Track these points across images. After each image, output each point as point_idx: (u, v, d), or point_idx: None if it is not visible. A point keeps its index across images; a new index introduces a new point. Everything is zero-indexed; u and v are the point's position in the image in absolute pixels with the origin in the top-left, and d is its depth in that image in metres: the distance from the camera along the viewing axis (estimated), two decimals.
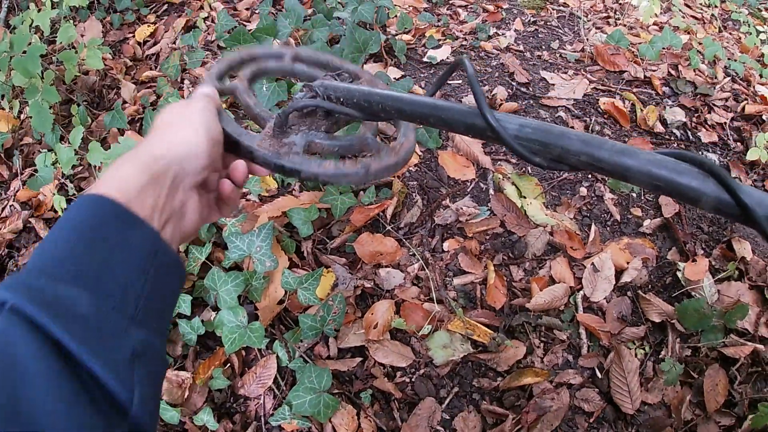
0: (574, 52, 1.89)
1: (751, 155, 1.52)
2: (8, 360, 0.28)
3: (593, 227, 1.31)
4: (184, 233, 0.44)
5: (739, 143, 1.63)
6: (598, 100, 1.65)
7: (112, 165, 0.40)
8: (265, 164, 0.61)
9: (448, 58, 1.76)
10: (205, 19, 1.94)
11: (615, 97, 1.66)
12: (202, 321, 1.08)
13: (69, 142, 1.28)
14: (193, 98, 0.51)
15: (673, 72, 1.82)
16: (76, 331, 0.30)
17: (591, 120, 1.59)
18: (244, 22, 1.92)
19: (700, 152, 1.56)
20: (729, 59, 1.94)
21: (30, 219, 1.36)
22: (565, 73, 1.76)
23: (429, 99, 0.56)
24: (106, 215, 0.36)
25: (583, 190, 1.40)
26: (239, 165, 0.52)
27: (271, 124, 0.63)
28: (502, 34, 1.93)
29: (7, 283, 0.31)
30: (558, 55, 1.87)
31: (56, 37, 1.84)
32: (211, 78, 0.69)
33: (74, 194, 1.36)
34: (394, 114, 0.60)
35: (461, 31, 1.93)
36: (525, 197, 1.35)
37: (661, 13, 2.27)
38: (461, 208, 1.30)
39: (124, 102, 1.63)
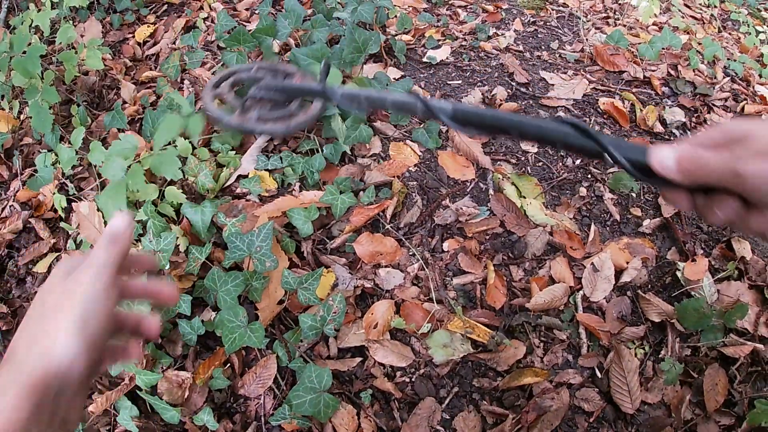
0: (574, 52, 1.89)
1: None
2: None
3: (593, 227, 1.31)
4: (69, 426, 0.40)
5: None
6: (597, 100, 1.65)
7: None
8: (235, 128, 0.93)
9: (447, 58, 1.76)
10: (204, 19, 1.94)
11: (614, 97, 1.67)
12: (202, 321, 1.08)
13: (69, 143, 1.28)
14: (82, 269, 0.42)
15: (672, 72, 1.83)
16: None
17: (590, 120, 1.59)
18: (244, 23, 1.92)
19: None
20: (728, 59, 1.95)
21: (30, 219, 1.36)
22: (565, 73, 1.76)
23: (297, 84, 0.87)
24: None
25: (583, 190, 1.40)
26: (153, 324, 0.47)
27: (238, 108, 0.98)
28: (502, 35, 1.93)
29: None
30: (557, 55, 1.88)
31: (56, 37, 1.84)
32: (208, 88, 1.03)
33: (74, 194, 1.36)
34: (290, 94, 0.92)
35: (461, 31, 1.93)
36: (525, 197, 1.35)
37: (660, 13, 2.27)
38: (461, 208, 1.30)
39: (124, 102, 1.63)
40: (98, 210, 1.24)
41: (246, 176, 1.33)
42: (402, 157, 1.36)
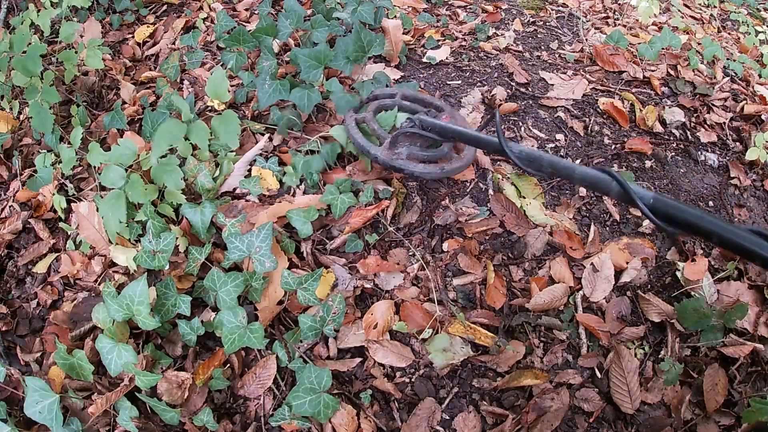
0: (573, 52, 1.89)
1: (750, 155, 1.53)
2: None
3: (592, 227, 1.31)
4: None
5: (738, 143, 1.63)
6: (597, 100, 1.65)
7: None
8: (384, 165, 1.10)
9: (447, 58, 1.76)
10: (204, 19, 1.94)
11: (614, 98, 1.67)
12: (202, 321, 1.08)
13: (69, 143, 1.28)
14: None
15: (672, 72, 1.83)
16: None
17: (590, 120, 1.59)
18: (244, 23, 1.92)
19: (699, 152, 1.57)
20: (728, 59, 1.95)
21: (29, 220, 1.36)
22: (564, 73, 1.76)
23: (472, 132, 0.96)
24: None
25: (583, 191, 1.40)
26: None
27: (387, 141, 1.10)
28: (502, 35, 1.93)
29: None
30: (557, 55, 1.88)
31: (56, 37, 1.84)
32: (350, 114, 1.24)
33: (74, 194, 1.36)
34: (456, 138, 1.02)
35: (460, 31, 1.93)
36: (524, 197, 1.35)
37: (660, 13, 2.27)
38: (461, 209, 1.30)
39: (124, 102, 1.63)
40: (97, 210, 1.24)
41: (248, 175, 1.33)
42: None
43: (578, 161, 1.47)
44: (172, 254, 1.12)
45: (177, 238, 1.15)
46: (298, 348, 1.08)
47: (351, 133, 1.20)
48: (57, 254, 1.27)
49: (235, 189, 1.32)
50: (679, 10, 2.33)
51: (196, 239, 1.20)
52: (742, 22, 2.39)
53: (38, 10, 1.62)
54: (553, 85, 1.69)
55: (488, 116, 1.00)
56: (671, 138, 1.60)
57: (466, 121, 1.32)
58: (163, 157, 1.08)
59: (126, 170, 1.12)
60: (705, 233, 0.52)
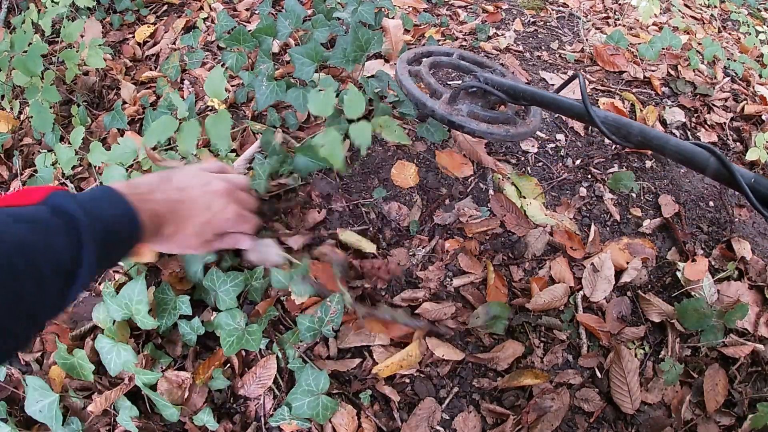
0: (574, 52, 1.89)
1: (751, 155, 1.53)
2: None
3: (593, 227, 1.31)
4: None
5: (738, 143, 1.63)
6: (597, 100, 1.65)
7: None
8: (441, 119, 0.98)
9: None
10: (204, 19, 1.94)
11: (614, 98, 1.67)
12: (202, 321, 1.08)
13: (69, 143, 1.28)
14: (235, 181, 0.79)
15: (672, 72, 1.83)
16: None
17: None
18: (244, 23, 1.92)
19: None
20: (728, 59, 1.95)
21: None
22: (565, 73, 1.76)
23: (551, 94, 0.86)
24: None
25: (583, 191, 1.40)
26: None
27: (446, 96, 0.97)
28: (502, 35, 1.93)
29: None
30: (557, 55, 1.88)
31: (56, 37, 1.84)
32: (402, 62, 1.12)
33: None
34: (528, 100, 0.90)
35: (461, 31, 1.93)
36: (525, 197, 1.35)
37: (660, 13, 2.27)
38: (461, 209, 1.30)
39: (124, 102, 1.63)
40: None
41: (247, 173, 1.33)
42: (402, 177, 1.36)
43: (579, 161, 1.47)
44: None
45: None
46: (298, 348, 1.07)
47: (404, 84, 1.07)
48: None
49: None
50: (679, 10, 2.33)
51: None
52: (743, 22, 2.39)
53: (39, 10, 1.62)
54: (553, 84, 1.69)
55: (568, 78, 0.88)
56: None
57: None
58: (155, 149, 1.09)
59: (126, 170, 1.12)
60: None
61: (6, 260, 0.43)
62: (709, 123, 1.66)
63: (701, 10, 2.45)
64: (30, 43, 1.39)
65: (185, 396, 1.01)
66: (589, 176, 1.44)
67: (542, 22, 2.06)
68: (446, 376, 1.08)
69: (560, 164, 1.46)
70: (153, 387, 0.99)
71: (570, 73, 1.76)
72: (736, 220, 1.41)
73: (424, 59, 1.16)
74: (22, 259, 0.44)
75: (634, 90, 1.72)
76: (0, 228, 0.45)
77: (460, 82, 1.21)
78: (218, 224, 0.72)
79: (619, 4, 2.29)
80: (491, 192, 1.36)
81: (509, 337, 1.13)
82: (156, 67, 1.81)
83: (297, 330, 1.08)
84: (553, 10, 2.15)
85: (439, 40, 1.84)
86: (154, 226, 0.61)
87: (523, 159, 1.46)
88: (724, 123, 1.67)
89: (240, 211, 0.75)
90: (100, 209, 0.54)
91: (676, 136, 1.61)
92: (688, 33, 2.13)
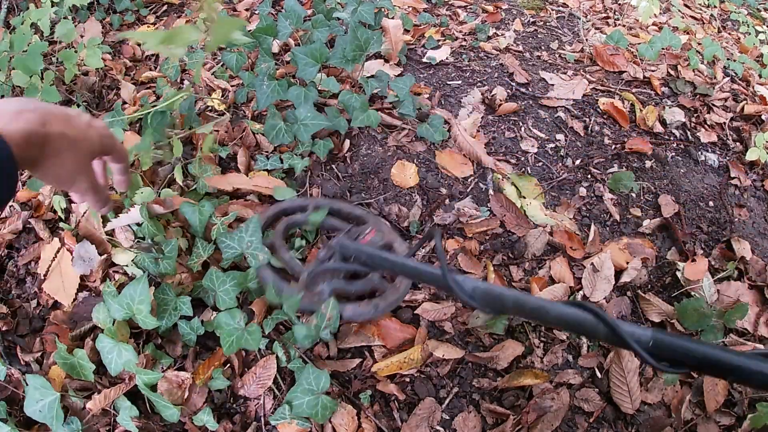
0: (574, 52, 1.89)
1: (751, 155, 1.53)
2: None
3: (593, 227, 1.31)
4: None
5: (738, 143, 1.63)
6: (597, 100, 1.65)
7: None
8: (305, 311, 0.97)
9: (447, 58, 1.76)
10: (204, 19, 1.94)
11: (614, 98, 1.67)
12: (202, 321, 1.08)
13: None
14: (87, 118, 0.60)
15: (672, 72, 1.83)
16: None
17: (590, 120, 1.59)
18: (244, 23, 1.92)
19: (700, 152, 1.57)
20: (728, 59, 1.95)
21: (30, 220, 1.36)
22: (565, 73, 1.76)
23: (410, 263, 0.78)
24: None
25: (583, 191, 1.40)
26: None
27: (303, 278, 0.94)
28: (502, 35, 1.93)
29: None
30: (557, 55, 1.88)
31: (56, 37, 1.84)
32: (256, 234, 1.05)
33: None
34: (388, 269, 0.84)
35: (461, 31, 1.93)
36: (525, 197, 1.35)
37: (660, 13, 2.27)
38: (461, 209, 1.30)
39: (124, 102, 1.63)
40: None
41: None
42: (402, 177, 1.36)
43: (578, 161, 1.47)
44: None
45: (177, 238, 1.15)
46: (298, 348, 1.07)
47: (262, 277, 1.03)
48: (57, 254, 1.26)
49: (237, 189, 1.32)
50: (679, 10, 2.33)
51: (194, 239, 1.20)
52: (743, 22, 2.39)
53: (39, 11, 1.62)
54: (553, 85, 1.69)
55: (425, 231, 0.80)
56: (671, 138, 1.60)
57: (394, 233, 1.18)
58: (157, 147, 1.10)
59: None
60: (718, 370, 0.45)
61: None
62: (708, 123, 1.66)
63: (701, 10, 2.45)
64: (29, 43, 1.39)
65: (185, 396, 1.01)
66: (589, 176, 1.44)
67: (542, 22, 2.06)
68: (446, 376, 1.08)
69: (560, 164, 1.46)
70: (153, 387, 0.99)
71: (570, 73, 1.76)
72: (736, 220, 1.42)
73: (278, 224, 1.08)
74: None
75: (633, 90, 1.72)
76: None
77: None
78: (93, 140, 0.58)
79: (619, 4, 2.29)
80: (491, 192, 1.36)
81: (509, 337, 1.13)
82: (156, 67, 1.81)
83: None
84: (553, 10, 2.15)
85: (438, 40, 1.85)
86: (31, 149, 0.51)
87: (523, 159, 1.46)
88: (724, 123, 1.67)
89: (104, 128, 0.62)
90: None
91: (676, 137, 1.61)
92: (687, 33, 2.13)
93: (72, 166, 0.57)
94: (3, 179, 0.47)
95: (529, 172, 1.43)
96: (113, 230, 1.19)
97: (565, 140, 1.52)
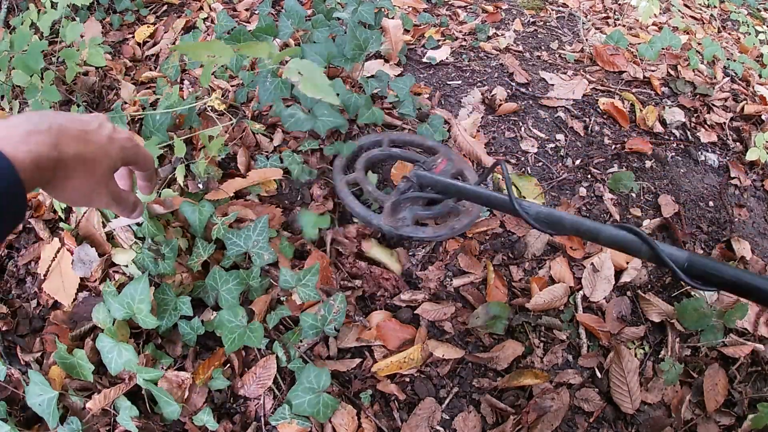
0: (574, 52, 1.89)
1: (751, 155, 1.53)
2: None
3: None
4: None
5: (738, 143, 1.63)
6: (597, 100, 1.65)
7: None
8: (390, 235, 1.05)
9: (447, 58, 1.76)
10: (204, 19, 1.94)
11: (614, 98, 1.67)
12: (202, 321, 1.08)
13: None
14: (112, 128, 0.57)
15: (672, 72, 1.83)
16: None
17: (590, 120, 1.59)
18: (244, 23, 1.92)
19: (700, 152, 1.57)
20: (728, 59, 1.95)
21: (30, 219, 1.36)
22: (565, 73, 1.76)
23: (477, 188, 0.88)
24: None
25: (583, 190, 1.40)
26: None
27: (388, 206, 1.01)
28: (502, 35, 1.93)
29: None
30: (557, 55, 1.88)
31: (56, 38, 1.84)
32: (339, 173, 1.14)
33: None
34: (459, 196, 0.94)
35: (461, 31, 1.93)
36: (525, 197, 1.35)
37: (660, 13, 2.27)
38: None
39: (124, 102, 1.63)
40: (96, 209, 1.24)
41: None
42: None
43: (578, 161, 1.47)
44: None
45: (177, 239, 1.15)
46: (298, 348, 1.07)
47: (346, 202, 1.12)
48: (57, 254, 1.26)
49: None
50: (679, 10, 2.33)
51: (193, 239, 1.20)
52: (742, 22, 2.39)
53: (39, 11, 1.62)
54: (553, 85, 1.69)
55: (490, 166, 0.89)
56: (671, 138, 1.60)
57: (463, 161, 1.28)
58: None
59: None
60: (745, 291, 0.51)
61: None
62: (708, 123, 1.66)
63: (701, 10, 2.45)
64: (29, 43, 1.39)
65: (185, 396, 1.01)
66: (589, 176, 1.44)
67: (542, 22, 2.06)
68: (446, 375, 1.08)
69: (560, 164, 1.46)
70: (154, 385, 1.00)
71: (570, 73, 1.76)
72: (736, 220, 1.42)
73: (358, 160, 1.18)
74: None
75: (633, 90, 1.72)
76: None
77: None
78: (102, 135, 0.55)
79: (619, 4, 2.29)
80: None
81: (509, 337, 1.13)
82: (156, 67, 1.81)
83: (296, 330, 1.08)
84: (553, 10, 2.15)
85: (438, 40, 1.85)
86: (41, 172, 0.49)
87: (523, 159, 1.46)
88: (724, 123, 1.67)
89: (128, 139, 0.60)
90: None
91: (676, 137, 1.61)
92: (687, 33, 2.13)
93: (87, 187, 0.54)
94: (9, 205, 0.45)
95: (529, 172, 1.43)
96: (113, 230, 1.19)
97: (565, 140, 1.52)
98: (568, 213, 0.65)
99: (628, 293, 1.22)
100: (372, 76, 1.50)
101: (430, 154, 1.25)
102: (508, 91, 1.64)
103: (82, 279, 1.15)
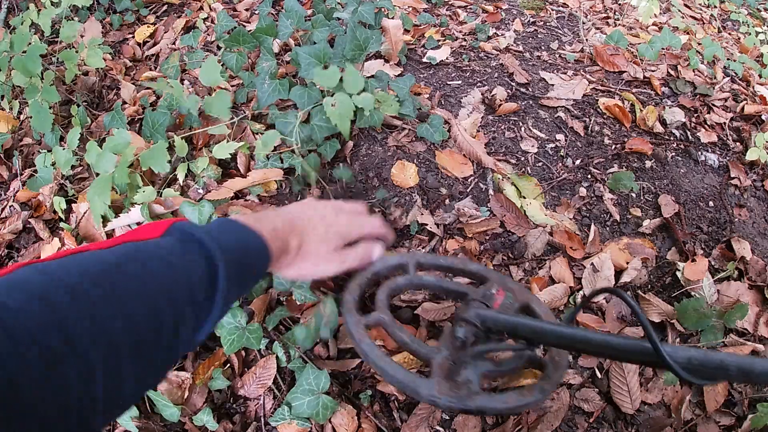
0: (574, 52, 1.89)
1: (751, 155, 1.53)
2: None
3: (593, 227, 1.31)
4: None
5: (738, 143, 1.63)
6: (597, 100, 1.65)
7: None
8: (452, 410, 0.79)
9: (447, 58, 1.76)
10: (204, 19, 1.94)
11: (614, 98, 1.67)
12: None
13: (67, 143, 1.28)
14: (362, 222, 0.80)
15: (672, 72, 1.83)
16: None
17: (590, 120, 1.59)
18: (244, 23, 1.92)
19: (700, 152, 1.57)
20: (728, 59, 1.95)
21: (30, 220, 1.36)
22: (565, 73, 1.76)
23: (599, 335, 0.56)
24: None
25: (583, 191, 1.40)
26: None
27: (438, 362, 0.68)
28: (502, 35, 1.93)
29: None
30: (557, 55, 1.88)
31: (56, 38, 1.84)
32: (350, 311, 0.75)
33: (74, 194, 1.36)
34: (550, 343, 0.63)
35: (461, 31, 1.93)
36: (525, 197, 1.35)
37: (660, 13, 2.27)
38: (461, 209, 1.30)
39: (124, 103, 1.63)
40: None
41: None
42: (402, 177, 1.36)
43: (578, 161, 1.47)
44: None
45: None
46: (298, 348, 1.07)
47: (376, 364, 0.70)
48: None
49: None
50: (679, 11, 2.33)
51: None
52: (743, 22, 2.39)
53: (39, 11, 1.62)
54: (553, 85, 1.69)
55: (582, 298, 0.64)
56: (671, 138, 1.60)
57: (524, 290, 0.87)
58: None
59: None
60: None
61: (152, 303, 0.40)
62: (708, 123, 1.66)
63: (701, 10, 2.45)
64: (29, 44, 1.39)
65: (185, 396, 1.01)
66: (589, 176, 1.44)
67: (542, 22, 2.06)
68: None
69: (560, 164, 1.46)
70: None
71: (570, 73, 1.76)
72: (736, 220, 1.42)
73: (378, 294, 0.81)
74: (164, 300, 0.42)
75: (634, 90, 1.72)
76: (138, 268, 0.42)
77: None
78: (340, 226, 0.72)
79: (619, 4, 2.29)
80: (491, 192, 1.36)
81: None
82: (156, 68, 1.81)
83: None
84: (553, 10, 2.15)
85: (438, 40, 1.85)
86: (278, 242, 0.61)
87: (523, 159, 1.46)
88: (724, 123, 1.67)
89: (354, 213, 0.78)
90: (226, 234, 0.52)
91: (676, 137, 1.61)
92: (687, 33, 2.13)
93: (325, 252, 0.71)
94: (252, 274, 0.57)
95: (529, 172, 1.43)
96: (113, 230, 1.19)
97: (565, 140, 1.52)
98: (729, 354, 0.46)
99: (628, 293, 1.21)
100: (372, 76, 1.50)
101: (476, 282, 0.92)
102: (508, 91, 1.64)
103: None
